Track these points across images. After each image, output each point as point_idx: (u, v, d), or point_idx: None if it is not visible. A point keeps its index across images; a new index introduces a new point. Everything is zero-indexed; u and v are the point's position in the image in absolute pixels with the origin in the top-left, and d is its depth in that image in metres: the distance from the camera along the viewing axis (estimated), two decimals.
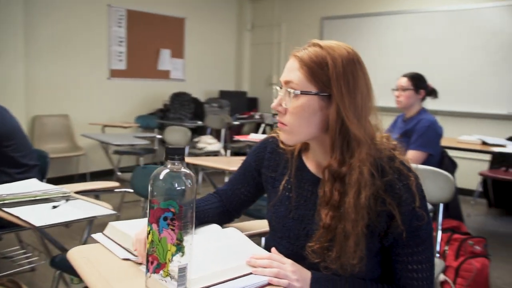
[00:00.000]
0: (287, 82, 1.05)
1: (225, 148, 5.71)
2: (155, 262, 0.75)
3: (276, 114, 3.16)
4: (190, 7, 6.57)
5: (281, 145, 1.22)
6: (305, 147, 1.18)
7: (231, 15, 7.40)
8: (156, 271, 0.75)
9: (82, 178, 5.06)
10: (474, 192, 4.57)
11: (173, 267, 0.74)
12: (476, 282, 2.53)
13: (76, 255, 1.13)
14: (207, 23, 6.89)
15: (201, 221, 1.24)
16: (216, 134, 5.95)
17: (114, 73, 5.65)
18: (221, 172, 6.10)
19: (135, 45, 5.85)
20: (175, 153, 0.78)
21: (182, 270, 0.76)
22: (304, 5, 6.85)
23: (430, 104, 3.00)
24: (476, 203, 4.68)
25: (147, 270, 0.76)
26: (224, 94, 6.87)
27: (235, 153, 5.59)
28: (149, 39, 6.04)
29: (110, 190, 2.18)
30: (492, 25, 5.03)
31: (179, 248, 0.75)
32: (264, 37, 7.38)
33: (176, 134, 3.86)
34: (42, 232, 2.04)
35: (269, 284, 0.97)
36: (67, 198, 1.75)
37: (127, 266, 1.06)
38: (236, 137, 3.95)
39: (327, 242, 1.02)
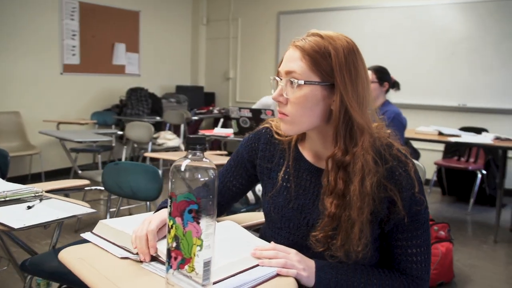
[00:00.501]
0: (288, 72, 1.04)
1: (184, 143, 5.64)
2: (179, 257, 0.72)
3: (246, 108, 3.14)
4: (145, 1, 6.41)
5: (276, 136, 1.22)
6: (301, 137, 1.19)
7: (186, 9, 7.28)
8: (180, 266, 0.72)
9: (36, 178, 4.82)
10: (430, 181, 4.77)
11: (198, 261, 0.72)
12: (442, 266, 2.65)
13: (69, 256, 1.07)
14: (162, 17, 6.75)
15: None
16: (174, 129, 5.86)
17: (67, 68, 5.42)
18: None
19: (88, 39, 5.64)
20: (197, 143, 0.75)
21: (207, 264, 0.74)
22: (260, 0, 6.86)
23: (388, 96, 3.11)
24: (432, 191, 4.90)
25: (169, 266, 0.73)
26: (180, 89, 6.77)
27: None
28: (103, 33, 5.83)
29: (80, 188, 2.09)
30: (442, 22, 5.26)
31: (204, 241, 0.73)
32: (220, 32, 7.33)
33: (138, 130, 3.76)
34: (11, 235, 1.94)
35: (277, 275, 0.97)
36: (40, 197, 1.66)
37: (126, 264, 1.02)
38: (201, 132, 3.90)
39: (331, 231, 1.02)
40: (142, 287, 0.91)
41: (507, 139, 3.71)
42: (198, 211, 0.71)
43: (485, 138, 3.73)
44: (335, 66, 1.01)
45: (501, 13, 4.94)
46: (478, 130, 4.34)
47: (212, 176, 0.73)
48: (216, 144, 6.33)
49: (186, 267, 0.72)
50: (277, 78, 1.09)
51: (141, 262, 1.01)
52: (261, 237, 1.22)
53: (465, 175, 4.59)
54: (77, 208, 1.58)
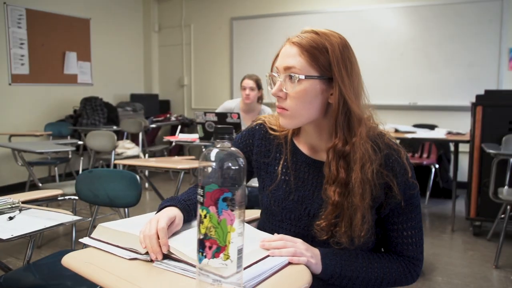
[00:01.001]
0: (287, 68, 1.07)
1: (144, 152, 5.54)
2: (214, 246, 0.73)
3: (211, 112, 3.15)
4: (95, 8, 6.25)
5: (271, 131, 1.25)
6: (296, 131, 1.23)
7: (137, 17, 7.18)
8: (215, 255, 0.73)
9: None
10: None
11: (233, 249, 0.74)
12: None
13: (75, 261, 1.04)
14: (113, 25, 6.61)
15: (196, 213, 1.22)
16: (132, 138, 5.75)
17: (16, 78, 5.18)
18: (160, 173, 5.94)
19: (38, 47, 5.42)
20: (225, 133, 0.76)
21: (240, 252, 0.75)
22: (212, 5, 6.88)
23: None
24: None
25: (203, 256, 0.74)
26: (135, 98, 6.66)
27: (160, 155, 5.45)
28: (53, 42, 5.63)
29: (54, 199, 2.02)
30: (390, 24, 5.51)
31: (237, 229, 0.74)
32: (173, 39, 7.28)
33: (101, 139, 3.66)
34: None
35: (289, 263, 0.99)
36: (19, 208, 1.60)
37: (137, 265, 1.00)
38: (167, 138, 3.86)
39: (334, 219, 1.07)
40: (164, 284, 0.90)
41: (458, 133, 3.94)
42: (232, 199, 0.73)
43: (439, 133, 3.94)
44: (332, 60, 1.06)
45: (444, 16, 5.25)
46: (429, 127, 4.58)
47: (242, 165, 0.75)
48: (175, 150, 6.26)
49: (222, 255, 0.73)
50: (275, 74, 1.12)
51: (151, 261, 1.01)
52: (259, 229, 1.25)
53: (420, 170, 4.82)
54: (61, 216, 1.53)
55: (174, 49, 7.30)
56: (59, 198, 2.04)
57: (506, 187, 3.29)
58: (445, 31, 5.26)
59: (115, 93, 6.64)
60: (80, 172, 4.95)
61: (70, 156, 4.77)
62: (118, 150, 5.04)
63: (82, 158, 5.16)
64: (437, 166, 4.74)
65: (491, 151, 2.89)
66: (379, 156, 1.08)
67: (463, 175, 4.57)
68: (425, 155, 4.79)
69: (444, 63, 5.27)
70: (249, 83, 3.56)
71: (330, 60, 1.06)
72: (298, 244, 1.04)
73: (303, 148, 1.20)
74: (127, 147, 5.16)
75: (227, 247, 0.73)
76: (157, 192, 3.03)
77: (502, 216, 3.22)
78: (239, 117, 3.34)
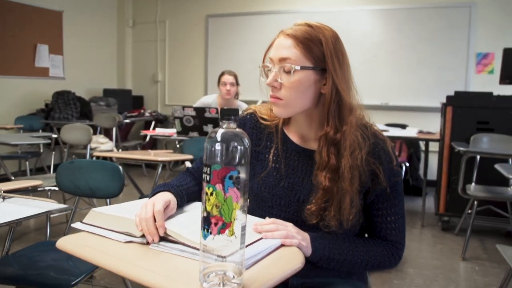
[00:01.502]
0: (283, 59, 1.11)
1: (117, 147, 5.48)
2: (219, 222, 0.76)
3: (189, 107, 3.17)
4: (68, 1, 6.13)
5: (262, 121, 1.29)
6: (287, 121, 1.27)
7: (111, 11, 7.08)
8: (221, 231, 0.77)
9: None
10: None
11: (237, 225, 0.77)
12: None
13: (71, 245, 1.05)
14: (86, 18, 6.50)
15: (188, 199, 1.25)
16: (105, 133, 5.67)
17: None
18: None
19: (8, 39, 5.27)
20: (231, 114, 0.80)
21: (243, 228, 0.79)
22: (188, 2, 6.86)
23: None
24: None
25: (209, 232, 0.77)
26: (108, 93, 6.56)
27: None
28: (24, 33, 5.49)
29: (27, 190, 2.00)
30: (363, 26, 5.65)
31: (243, 206, 0.78)
32: (147, 34, 7.21)
33: (76, 132, 3.61)
34: None
35: (281, 245, 1.03)
36: (2, 196, 1.58)
37: (134, 247, 1.01)
38: (144, 132, 3.84)
39: (323, 203, 1.12)
40: (164, 264, 0.93)
41: (429, 132, 4.09)
42: (238, 177, 0.76)
43: (410, 132, 4.07)
44: (326, 52, 1.11)
45: (416, 20, 5.42)
46: (401, 126, 4.71)
47: (247, 145, 0.78)
48: (149, 145, 6.21)
49: (227, 231, 0.76)
50: (268, 64, 1.16)
51: (147, 244, 1.02)
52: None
53: None
54: (46, 204, 1.52)
55: (148, 45, 7.23)
56: (39, 189, 2.01)
57: (473, 183, 3.44)
58: (416, 35, 5.43)
59: (87, 87, 6.53)
60: (52, 166, 4.87)
61: (41, 150, 4.66)
62: (92, 145, 4.95)
63: (54, 152, 5.06)
64: (407, 164, 4.89)
65: (461, 148, 3.02)
66: (368, 143, 1.14)
67: (432, 173, 4.73)
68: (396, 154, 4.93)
69: (416, 65, 5.44)
70: (229, 78, 3.60)
71: (323, 52, 1.11)
72: (289, 227, 1.08)
73: (293, 137, 1.25)
74: (101, 142, 5.09)
75: (232, 224, 0.76)
76: (135, 185, 3.02)
77: (469, 211, 3.36)
78: (217, 112, 3.36)
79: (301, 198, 1.18)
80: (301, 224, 1.15)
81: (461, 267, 2.99)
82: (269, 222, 1.07)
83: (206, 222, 0.78)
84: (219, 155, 0.77)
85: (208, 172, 0.77)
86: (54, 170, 4.68)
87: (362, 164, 1.12)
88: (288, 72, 1.11)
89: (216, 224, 0.76)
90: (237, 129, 0.80)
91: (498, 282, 2.62)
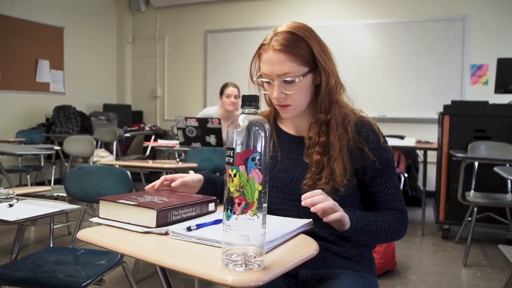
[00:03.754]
0: (282, 74, 1.19)
1: (117, 161, 5.50)
2: (243, 202, 0.80)
3: (192, 118, 3.21)
4: (69, 17, 6.23)
5: None
6: (278, 115, 1.37)
7: (111, 27, 7.18)
8: (244, 211, 0.80)
9: None
10: None
11: (259, 205, 0.81)
12: (386, 255, 2.90)
13: (92, 236, 1.07)
14: (86, 34, 6.60)
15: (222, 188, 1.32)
16: (105, 147, 5.71)
17: None
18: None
19: (10, 54, 5.34)
20: (252, 100, 0.85)
21: (265, 209, 0.83)
22: (187, 18, 6.97)
23: None
24: None
25: (232, 212, 0.81)
26: (108, 108, 6.61)
27: None
28: (26, 49, 5.56)
29: (42, 196, 2.02)
30: (359, 40, 5.76)
31: (264, 187, 0.82)
32: (146, 50, 7.31)
33: (79, 144, 3.64)
34: None
35: (298, 234, 1.07)
36: (16, 198, 1.61)
37: (153, 236, 1.05)
38: (147, 143, 3.88)
39: (317, 175, 1.20)
40: (187, 249, 0.96)
41: (427, 142, 4.15)
42: (260, 159, 0.81)
43: (409, 142, 4.13)
44: (315, 51, 1.21)
45: (411, 33, 5.54)
46: (399, 137, 4.77)
47: (267, 129, 0.83)
48: (149, 158, 6.23)
49: (250, 211, 0.80)
50: (269, 81, 1.22)
51: (166, 234, 1.06)
52: None
53: None
54: (60, 205, 1.55)
55: (147, 61, 7.32)
56: (47, 195, 2.04)
57: (472, 191, 3.48)
58: (412, 47, 5.54)
59: (87, 102, 6.58)
60: (53, 180, 4.89)
61: (42, 164, 4.68)
62: (93, 159, 4.99)
63: (54, 166, 5.08)
64: (406, 175, 4.94)
65: (459, 155, 3.08)
66: (355, 117, 1.25)
67: (430, 184, 4.78)
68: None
69: (412, 77, 5.54)
70: (234, 90, 3.67)
71: (313, 53, 1.21)
72: (332, 200, 1.09)
73: (287, 128, 1.36)
74: (101, 156, 5.12)
75: (255, 204, 0.81)
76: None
77: (469, 218, 3.40)
78: (219, 123, 3.41)
79: (294, 178, 1.25)
80: (297, 203, 1.18)
81: (463, 273, 3.01)
82: (318, 193, 1.08)
83: (230, 203, 0.82)
84: (242, 138, 0.81)
85: (231, 154, 0.82)
86: (55, 184, 4.70)
87: (351, 131, 1.21)
88: (289, 84, 1.20)
89: (239, 204, 0.80)
90: (258, 115, 0.85)
91: (501, 287, 2.65)
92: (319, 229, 1.21)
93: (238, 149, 0.81)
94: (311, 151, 1.23)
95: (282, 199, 1.25)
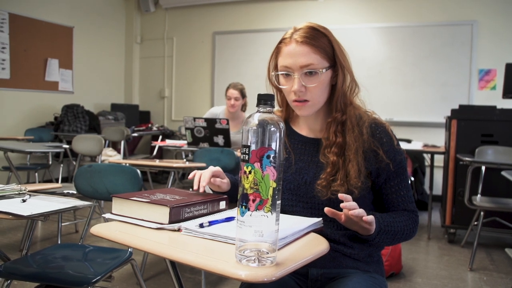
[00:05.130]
0: (305, 66, 1.19)
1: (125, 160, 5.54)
2: (257, 199, 0.82)
3: (200, 118, 3.22)
4: (79, 17, 6.28)
5: None
6: (291, 117, 1.39)
7: (120, 28, 7.23)
8: (258, 207, 0.82)
9: None
10: None
11: (273, 202, 0.83)
12: (393, 258, 2.90)
13: (106, 231, 1.09)
14: (95, 34, 6.65)
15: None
16: (113, 147, 5.75)
17: None
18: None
19: (20, 53, 5.39)
20: (267, 99, 0.86)
21: (279, 206, 0.84)
22: (195, 19, 7.01)
23: None
24: None
25: (247, 209, 0.82)
26: (115, 107, 6.66)
27: None
28: (36, 48, 5.62)
29: (52, 192, 2.05)
30: (367, 44, 5.77)
31: (278, 184, 0.84)
32: (155, 51, 7.35)
33: (88, 143, 3.67)
34: None
35: (309, 232, 1.09)
36: (28, 194, 1.63)
37: (166, 233, 1.06)
38: (155, 143, 3.91)
39: (332, 177, 1.21)
40: (200, 245, 0.97)
41: (433, 146, 4.15)
42: (274, 156, 0.83)
43: (416, 146, 4.13)
44: (336, 49, 1.23)
45: (419, 38, 5.54)
46: (406, 141, 4.78)
47: (282, 127, 0.84)
48: (156, 158, 6.26)
49: (264, 207, 0.82)
50: (289, 73, 1.23)
51: (178, 230, 1.08)
52: None
53: None
54: (71, 201, 1.58)
55: (155, 61, 7.36)
56: (57, 192, 2.07)
57: (479, 195, 3.48)
58: (420, 52, 5.54)
59: (95, 102, 6.63)
60: (60, 179, 4.92)
61: (50, 162, 4.72)
62: (101, 157, 5.02)
63: (62, 165, 5.12)
64: (412, 179, 4.93)
65: (467, 158, 3.08)
66: (369, 119, 1.26)
67: (437, 188, 4.77)
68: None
69: (419, 81, 5.54)
70: (233, 93, 3.71)
71: (333, 48, 1.23)
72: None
73: (300, 129, 1.36)
74: (109, 155, 5.16)
75: (269, 200, 0.82)
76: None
77: (475, 223, 3.40)
78: (227, 123, 3.43)
79: (308, 180, 1.26)
80: (310, 204, 1.23)
81: (469, 277, 3.01)
82: (352, 203, 1.09)
83: (244, 199, 0.83)
84: (257, 136, 0.83)
85: (246, 152, 0.83)
86: (62, 182, 4.74)
87: (366, 132, 1.22)
88: (311, 76, 1.20)
89: (254, 200, 0.82)
90: (273, 114, 0.86)
91: None
92: (331, 230, 1.23)
93: (253, 147, 0.83)
94: (328, 150, 1.24)
95: (295, 201, 1.26)
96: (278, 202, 0.84)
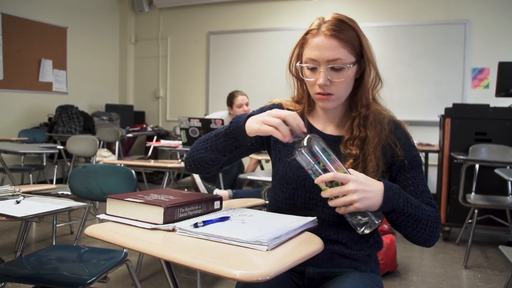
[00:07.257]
0: (332, 60, 1.17)
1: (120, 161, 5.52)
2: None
3: (195, 118, 3.21)
4: (72, 17, 6.26)
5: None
6: (309, 110, 1.35)
7: (114, 28, 7.21)
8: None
9: None
10: None
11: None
12: (388, 256, 2.91)
13: (100, 232, 1.09)
14: (89, 35, 6.62)
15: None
16: (107, 147, 5.73)
17: None
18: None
19: (13, 53, 5.36)
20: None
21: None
22: (189, 19, 7.00)
23: None
24: None
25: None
26: (110, 108, 6.63)
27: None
28: (29, 48, 5.59)
29: (47, 193, 2.04)
30: None
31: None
32: (149, 51, 7.33)
33: (82, 143, 3.66)
34: None
35: (304, 231, 1.10)
36: (23, 195, 1.63)
37: (161, 233, 1.06)
38: (149, 143, 3.90)
39: None
40: (195, 246, 0.97)
41: (427, 144, 4.17)
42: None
43: None
44: (363, 43, 1.21)
45: (413, 37, 5.56)
46: None
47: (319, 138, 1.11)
48: (153, 155, 6.27)
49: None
50: (314, 66, 1.20)
51: (172, 231, 1.08)
52: (271, 200, 1.36)
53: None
54: (66, 202, 1.57)
55: (150, 61, 7.35)
56: (52, 193, 2.06)
57: (473, 193, 3.50)
58: (413, 51, 5.56)
59: (90, 102, 6.61)
60: (55, 180, 4.90)
61: (44, 163, 4.69)
62: (95, 158, 5.01)
63: (56, 166, 5.10)
64: None
65: (461, 157, 3.10)
66: (387, 119, 1.26)
67: (431, 186, 4.79)
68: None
69: (413, 80, 5.56)
70: (245, 99, 3.70)
71: (361, 44, 1.21)
72: (350, 184, 1.06)
73: (317, 124, 1.33)
74: (104, 155, 5.14)
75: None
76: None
77: (470, 221, 3.42)
78: (222, 124, 3.43)
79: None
80: (323, 203, 1.19)
81: (463, 275, 3.03)
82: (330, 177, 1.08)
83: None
84: (314, 155, 1.09)
85: (326, 163, 1.08)
86: (57, 183, 4.72)
87: (385, 129, 1.23)
88: (338, 70, 1.18)
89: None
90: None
91: None
92: (333, 231, 1.23)
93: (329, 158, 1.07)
94: (351, 143, 1.23)
95: (308, 199, 1.24)
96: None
